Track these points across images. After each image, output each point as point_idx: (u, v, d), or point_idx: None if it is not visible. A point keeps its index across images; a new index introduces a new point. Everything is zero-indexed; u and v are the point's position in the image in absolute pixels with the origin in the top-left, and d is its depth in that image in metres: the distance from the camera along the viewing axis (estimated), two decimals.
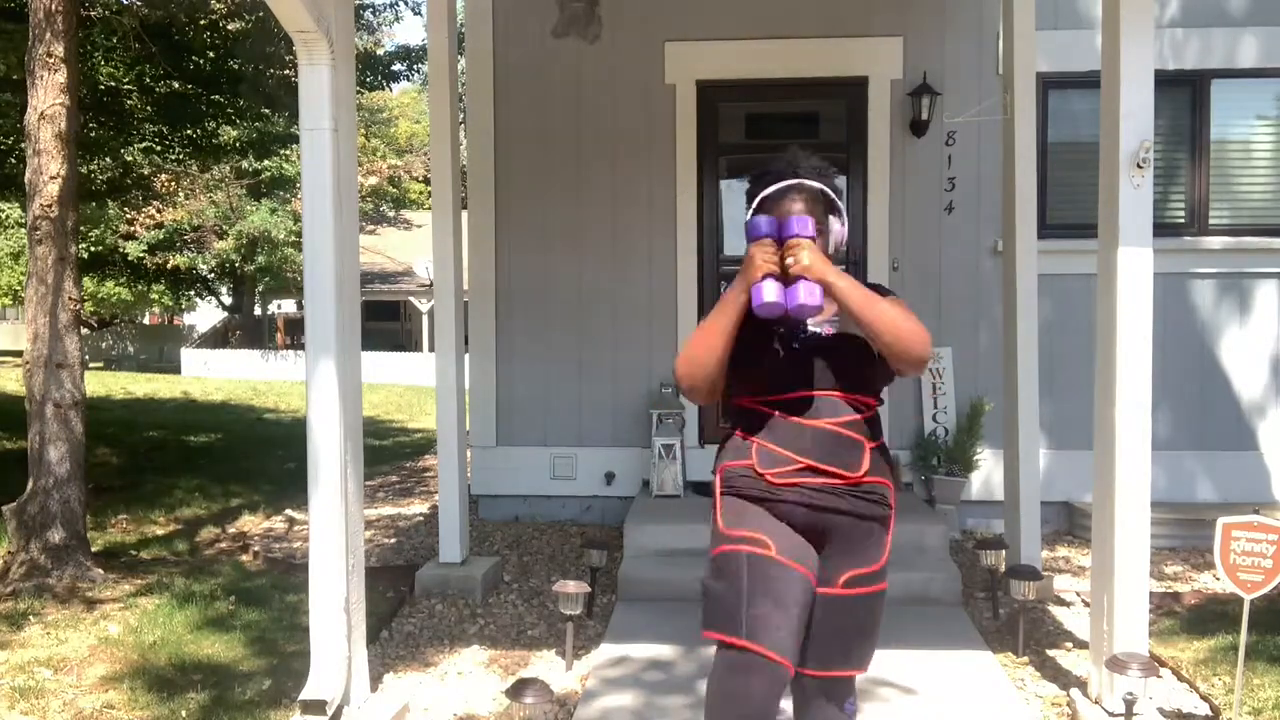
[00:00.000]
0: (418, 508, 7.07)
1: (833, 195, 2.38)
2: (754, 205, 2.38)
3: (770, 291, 2.15)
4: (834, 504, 2.28)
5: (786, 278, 2.18)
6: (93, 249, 21.29)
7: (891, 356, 2.22)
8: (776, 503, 2.29)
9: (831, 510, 2.28)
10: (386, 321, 27.69)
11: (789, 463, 2.27)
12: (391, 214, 30.95)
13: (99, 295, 28.60)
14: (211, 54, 9.53)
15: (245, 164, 18.51)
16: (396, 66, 12.06)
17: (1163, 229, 5.38)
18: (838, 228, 2.39)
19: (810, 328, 2.34)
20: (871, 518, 2.31)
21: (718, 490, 2.40)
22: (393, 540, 6.06)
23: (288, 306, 32.18)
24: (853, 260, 6.16)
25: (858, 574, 2.31)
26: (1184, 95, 6.04)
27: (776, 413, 2.30)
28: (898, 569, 4.58)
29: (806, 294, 2.14)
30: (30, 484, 4.93)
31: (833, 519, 2.29)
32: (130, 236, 23.47)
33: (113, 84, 9.41)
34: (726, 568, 2.28)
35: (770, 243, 2.21)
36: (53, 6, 4.89)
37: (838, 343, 2.32)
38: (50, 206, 4.88)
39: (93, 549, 5.17)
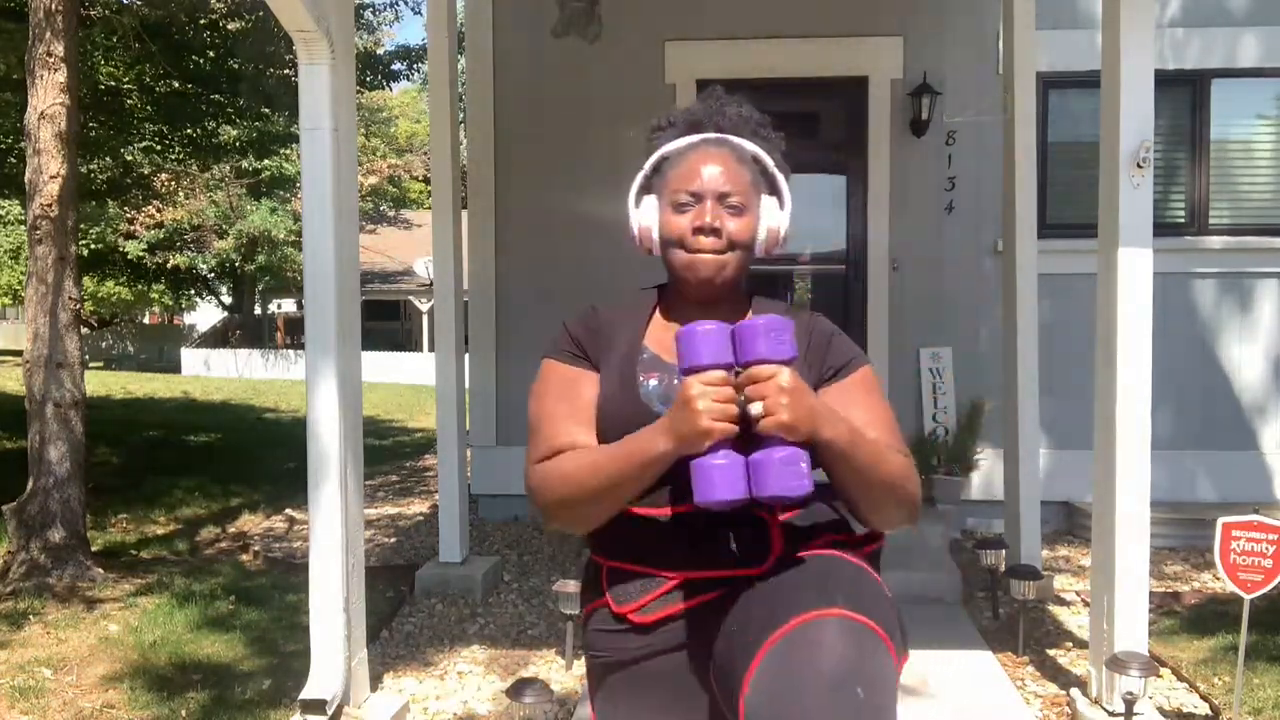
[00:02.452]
0: (418, 507, 7.07)
1: (771, 166, 1.60)
2: (647, 170, 1.66)
3: (730, 484, 1.28)
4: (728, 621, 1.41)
5: (747, 434, 1.31)
6: (92, 247, 21.28)
7: (871, 518, 1.46)
8: (652, 657, 1.49)
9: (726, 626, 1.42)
10: (386, 321, 27.68)
11: (658, 583, 1.47)
12: (391, 214, 30.95)
13: (99, 295, 28.61)
14: (211, 54, 9.53)
15: (245, 163, 18.50)
16: (396, 66, 12.06)
17: (1163, 229, 5.37)
18: (774, 215, 1.57)
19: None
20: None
21: (586, 668, 1.63)
22: (393, 540, 6.06)
23: (288, 306, 32.19)
24: (853, 260, 6.16)
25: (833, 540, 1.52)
26: (1184, 95, 6.04)
27: (651, 510, 1.47)
28: (898, 569, 4.60)
29: (789, 476, 1.26)
30: (30, 483, 4.93)
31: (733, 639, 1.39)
32: (130, 236, 23.48)
33: (113, 83, 9.41)
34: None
35: (721, 378, 1.31)
36: (53, 6, 4.89)
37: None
38: (50, 206, 4.88)
39: (93, 548, 5.17)
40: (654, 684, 1.48)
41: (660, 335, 1.58)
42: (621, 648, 1.49)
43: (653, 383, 1.52)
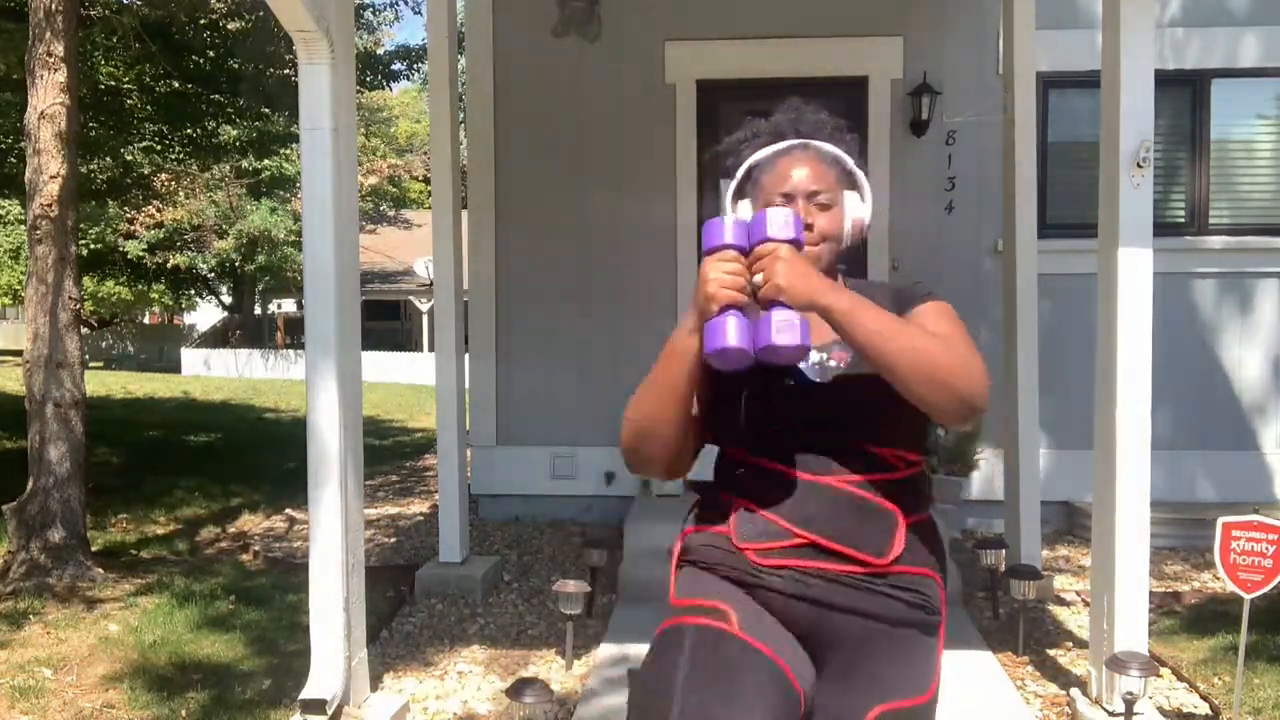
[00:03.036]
0: (418, 507, 7.07)
1: (851, 165, 1.73)
2: (739, 178, 1.74)
3: (730, 333, 1.43)
4: (845, 601, 1.55)
5: (757, 304, 1.48)
6: (92, 247, 21.28)
7: (923, 405, 1.49)
8: (758, 589, 1.58)
9: (842, 609, 1.56)
10: (386, 321, 27.67)
11: (782, 535, 1.55)
12: (391, 214, 30.95)
13: (99, 295, 28.61)
14: (211, 53, 9.53)
15: (245, 163, 18.50)
16: (396, 66, 12.05)
17: (1163, 228, 5.37)
18: (858, 209, 1.71)
19: (815, 356, 1.62)
20: (907, 623, 1.58)
21: (673, 565, 1.71)
22: (393, 540, 6.06)
23: (288, 306, 32.19)
24: (853, 260, 6.16)
25: (893, 709, 1.58)
26: (1184, 95, 6.04)
27: (768, 463, 1.58)
28: None
29: (780, 330, 1.41)
30: (30, 483, 4.93)
31: (844, 623, 1.56)
32: (130, 236, 23.48)
33: (113, 83, 9.41)
34: (663, 648, 1.56)
35: (733, 255, 1.48)
36: (53, 6, 4.89)
37: (851, 376, 1.59)
38: (50, 206, 4.88)
39: (93, 548, 5.17)
40: (739, 589, 1.59)
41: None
42: (732, 563, 1.59)
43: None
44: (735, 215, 1.60)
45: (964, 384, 1.46)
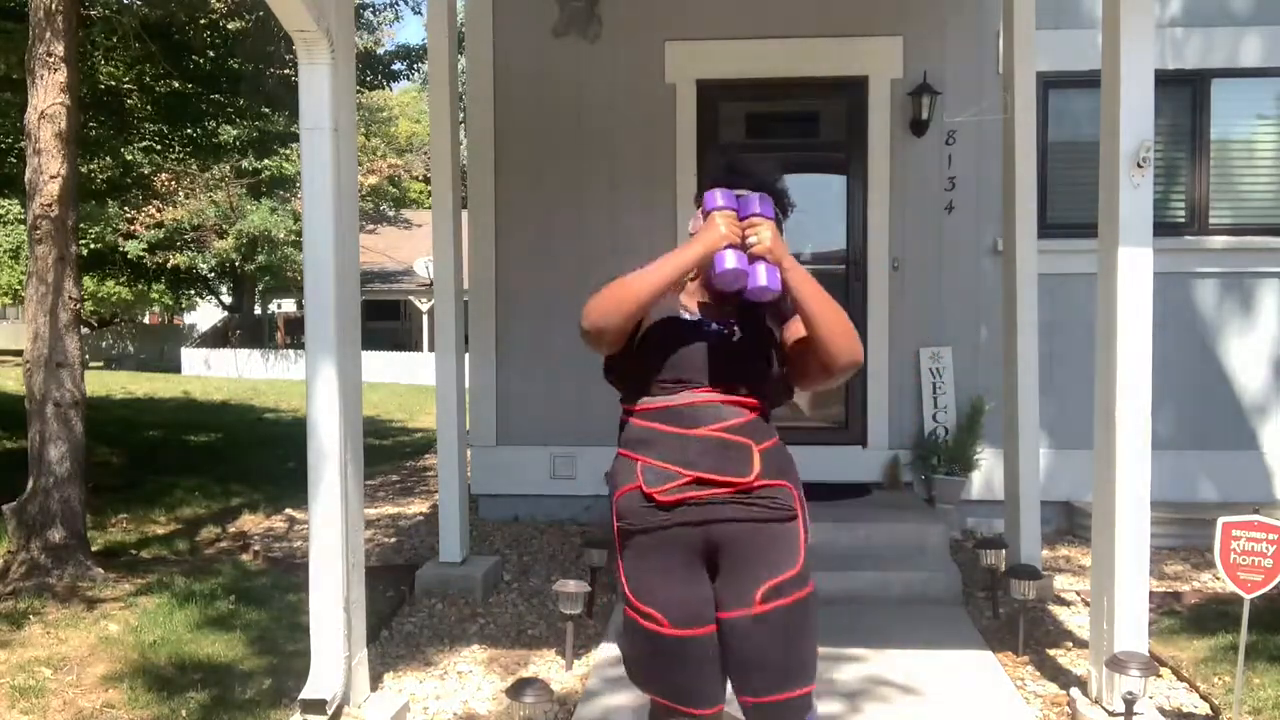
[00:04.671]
0: (418, 507, 7.07)
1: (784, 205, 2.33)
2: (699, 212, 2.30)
3: (733, 259, 2.10)
4: (726, 514, 2.16)
5: (746, 255, 2.13)
6: (92, 247, 21.27)
7: (825, 355, 2.13)
8: (668, 528, 2.18)
9: (725, 520, 2.16)
10: (386, 321, 27.66)
11: (676, 477, 2.16)
12: (391, 214, 30.94)
13: (99, 294, 28.59)
14: (211, 53, 9.52)
15: (245, 163, 18.49)
16: (396, 66, 12.05)
17: (1163, 228, 5.37)
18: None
19: (715, 325, 2.27)
20: (772, 519, 2.18)
21: (614, 527, 2.28)
22: (393, 539, 6.06)
23: (288, 306, 32.19)
24: (853, 260, 6.16)
25: (774, 584, 2.14)
26: (1184, 94, 6.04)
27: (660, 426, 2.21)
28: (898, 569, 4.62)
29: (768, 276, 2.09)
30: (30, 483, 4.93)
31: (729, 530, 2.17)
32: (130, 235, 23.46)
33: (113, 83, 9.41)
34: (634, 635, 2.24)
35: (733, 214, 2.16)
36: (53, 6, 4.89)
37: (745, 344, 2.27)
38: (50, 206, 4.88)
39: (93, 548, 5.17)
40: (665, 546, 2.20)
41: (693, 298, 2.36)
42: (647, 519, 2.20)
43: (689, 322, 2.29)
44: (723, 189, 2.19)
45: (856, 343, 2.12)
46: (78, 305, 5.05)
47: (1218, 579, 4.73)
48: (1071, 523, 5.99)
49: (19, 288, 23.91)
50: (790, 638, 2.15)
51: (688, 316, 2.29)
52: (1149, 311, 3.27)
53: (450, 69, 4.80)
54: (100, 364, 27.53)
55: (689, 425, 2.19)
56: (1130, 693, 3.05)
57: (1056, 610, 4.56)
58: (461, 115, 6.81)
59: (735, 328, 2.28)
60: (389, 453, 9.98)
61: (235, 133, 11.71)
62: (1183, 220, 6.11)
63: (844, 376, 2.17)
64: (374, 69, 11.54)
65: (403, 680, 3.79)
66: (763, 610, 2.13)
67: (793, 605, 2.15)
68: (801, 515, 2.23)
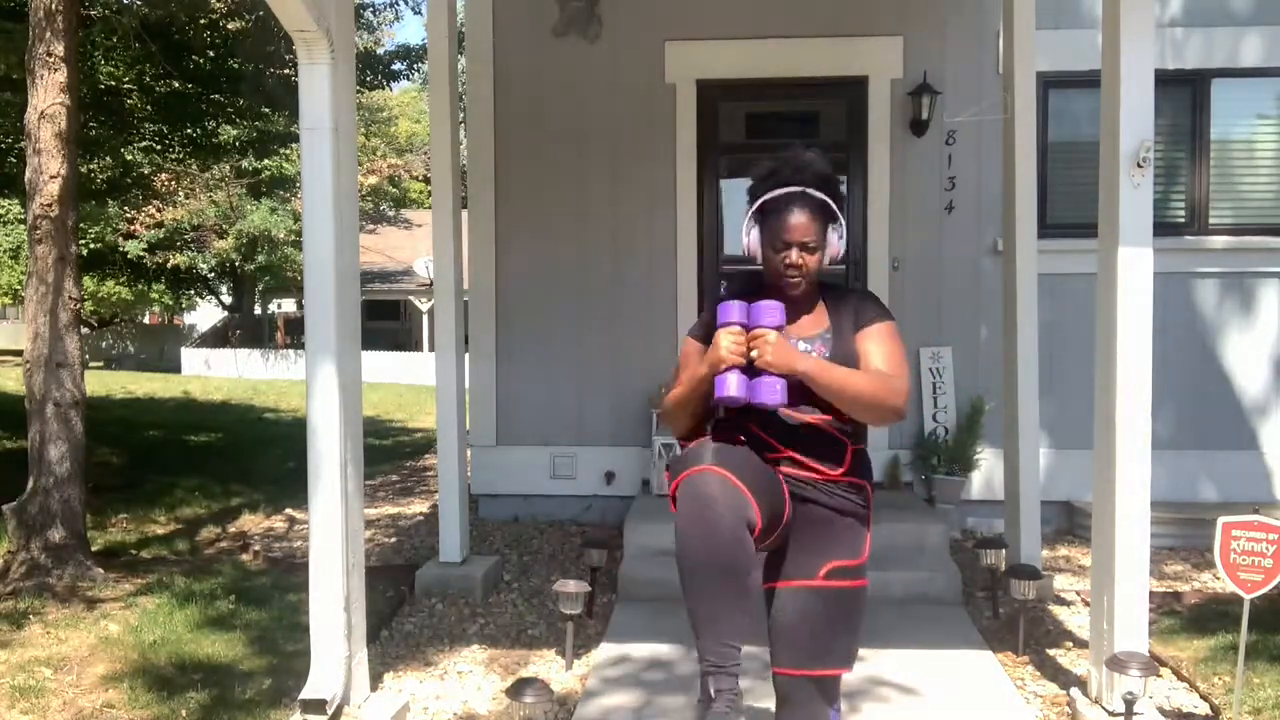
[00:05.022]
0: (418, 507, 7.07)
1: (834, 208, 2.34)
2: (754, 207, 2.38)
3: (733, 386, 2.20)
4: (812, 495, 2.33)
5: (752, 368, 2.21)
6: (92, 247, 21.27)
7: (868, 423, 2.32)
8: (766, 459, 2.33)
9: (809, 501, 2.33)
10: (386, 321, 27.65)
11: (773, 450, 2.31)
12: (391, 214, 30.91)
13: (99, 294, 28.56)
14: (211, 53, 9.52)
15: (245, 163, 18.47)
16: (396, 66, 12.03)
17: (1163, 228, 5.38)
18: (835, 241, 2.36)
19: (800, 345, 2.36)
20: (850, 513, 2.35)
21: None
22: (393, 539, 6.06)
23: (288, 306, 32.16)
24: (853, 260, 6.16)
25: (840, 565, 2.31)
26: (1184, 94, 6.04)
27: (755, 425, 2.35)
28: (898, 568, 4.62)
29: (768, 392, 2.19)
30: (30, 483, 4.93)
31: (810, 509, 2.33)
32: (130, 235, 23.44)
33: (113, 83, 9.40)
34: (691, 455, 2.23)
35: (738, 330, 2.23)
36: (53, 6, 4.89)
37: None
38: (50, 206, 4.88)
39: (93, 548, 5.17)
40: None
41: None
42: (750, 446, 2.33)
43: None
44: (737, 303, 2.27)
45: (887, 408, 2.24)
46: (78, 305, 5.05)
47: (1218, 579, 4.73)
48: (1071, 523, 5.99)
49: (19, 288, 23.89)
50: (838, 618, 2.31)
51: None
52: (1149, 311, 3.27)
53: (450, 69, 4.80)
54: (100, 364, 27.52)
55: (800, 411, 2.31)
56: (1130, 693, 3.05)
57: (1056, 610, 4.56)
58: (461, 115, 6.81)
59: (823, 349, 2.36)
60: (389, 453, 9.98)
61: (235, 133, 11.70)
62: (1183, 220, 6.11)
63: (886, 424, 2.44)
64: (374, 69, 11.52)
65: (403, 680, 3.79)
66: (825, 585, 2.30)
67: (850, 590, 2.33)
68: (869, 516, 2.40)
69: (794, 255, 2.31)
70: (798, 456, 2.32)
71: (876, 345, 2.32)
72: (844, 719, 3.32)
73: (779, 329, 2.22)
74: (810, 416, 2.31)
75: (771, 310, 2.23)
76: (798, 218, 2.29)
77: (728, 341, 2.21)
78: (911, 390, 6.11)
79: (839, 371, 2.23)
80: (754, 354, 2.20)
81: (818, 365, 2.22)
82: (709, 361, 2.24)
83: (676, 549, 2.20)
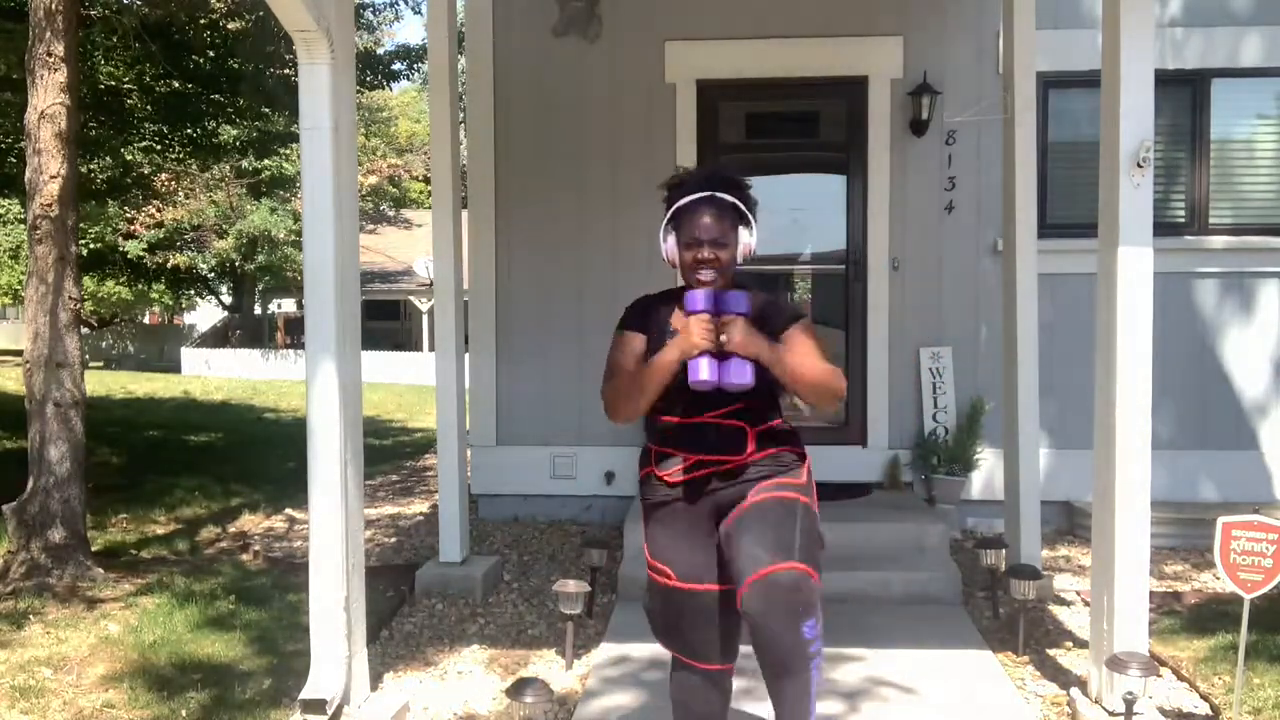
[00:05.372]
0: (418, 507, 7.07)
1: (743, 208, 2.56)
2: (668, 214, 2.60)
3: (705, 370, 2.39)
4: (726, 483, 2.56)
5: (720, 353, 2.39)
6: (92, 247, 21.27)
7: (811, 404, 2.56)
8: (675, 502, 2.60)
9: (725, 488, 2.56)
10: (386, 321, 27.66)
11: (679, 460, 2.59)
12: (391, 213, 30.93)
13: (99, 294, 28.57)
14: (211, 53, 9.52)
15: (245, 163, 18.49)
16: (396, 66, 12.04)
17: (1163, 228, 5.37)
18: (745, 238, 2.59)
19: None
20: (768, 477, 2.54)
21: (642, 508, 2.75)
22: (393, 539, 6.06)
23: (288, 305, 32.16)
24: (853, 260, 6.16)
25: (770, 484, 2.53)
26: (1184, 94, 6.04)
27: (674, 419, 2.59)
28: (898, 568, 4.62)
29: (738, 372, 2.39)
30: (30, 483, 4.93)
31: (730, 493, 2.55)
32: (130, 235, 23.45)
33: (113, 83, 9.41)
34: (653, 591, 2.69)
35: (707, 317, 2.40)
36: (53, 6, 4.89)
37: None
38: (50, 206, 4.88)
39: (93, 548, 5.17)
40: (677, 516, 2.62)
41: (679, 318, 2.58)
42: (661, 495, 2.64)
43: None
44: (705, 291, 2.46)
45: (831, 389, 2.50)
46: (78, 305, 5.05)
47: (1218, 579, 4.73)
48: (1071, 523, 5.99)
49: (19, 288, 23.89)
50: (777, 516, 2.46)
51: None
52: (1149, 311, 3.27)
53: (450, 69, 4.80)
54: (100, 364, 27.53)
55: (695, 416, 2.57)
56: (1130, 693, 3.05)
57: (1056, 610, 4.56)
58: (461, 115, 6.81)
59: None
60: (389, 453, 9.98)
61: (235, 133, 11.71)
62: (1183, 220, 6.11)
63: (830, 407, 2.79)
64: (374, 69, 11.53)
65: (403, 680, 3.79)
66: (755, 500, 2.50)
67: (783, 500, 2.49)
68: (806, 465, 2.62)
69: (705, 252, 2.52)
70: (703, 457, 2.56)
71: (801, 345, 2.54)
72: (844, 718, 3.34)
73: (744, 316, 2.41)
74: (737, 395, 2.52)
75: (739, 299, 2.43)
76: (705, 218, 2.52)
77: (699, 328, 2.38)
78: (910, 391, 6.14)
79: (794, 356, 2.48)
80: (723, 338, 2.37)
81: (775, 350, 2.43)
82: (680, 347, 2.40)
83: (672, 704, 2.82)
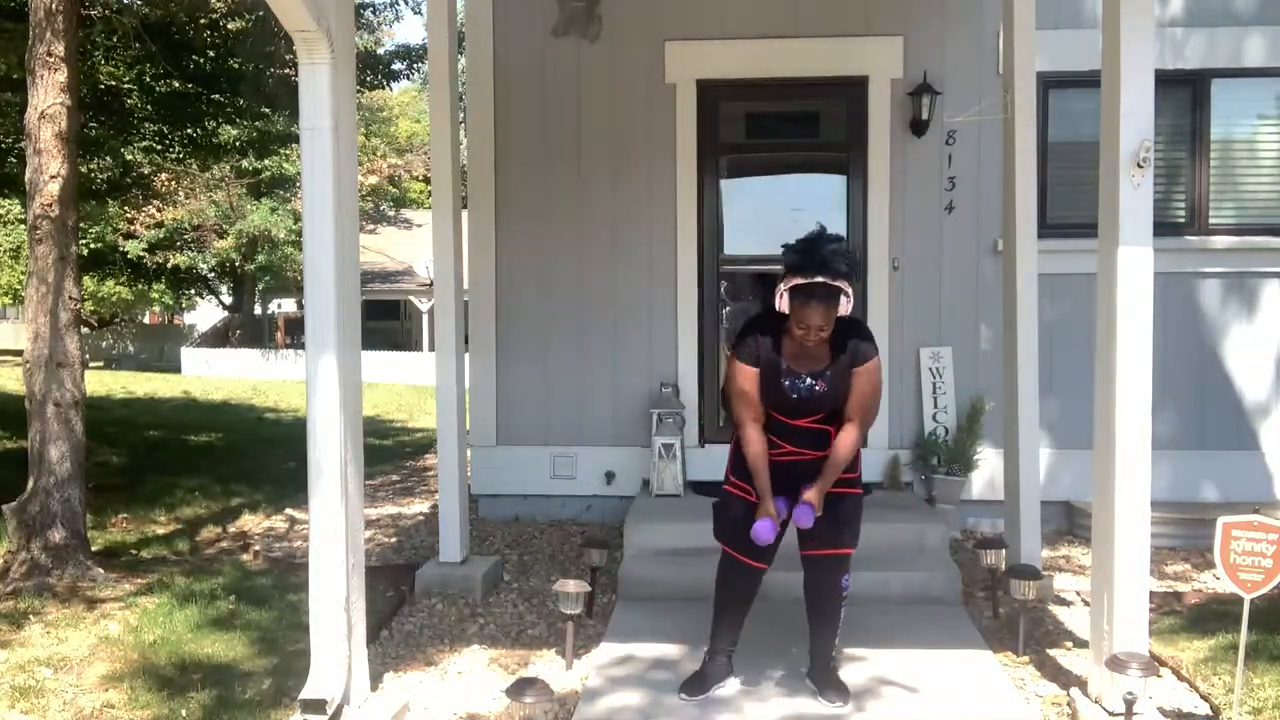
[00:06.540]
0: (418, 507, 7.07)
1: (849, 292, 3.17)
2: (786, 286, 3.18)
3: (766, 533, 3.30)
4: (810, 471, 3.38)
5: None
6: (92, 247, 21.29)
7: None
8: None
9: (807, 474, 3.37)
10: (386, 321, 27.66)
11: (777, 447, 3.40)
12: (391, 213, 30.93)
13: (99, 294, 28.59)
14: (211, 53, 9.54)
15: (245, 163, 18.50)
16: (396, 66, 12.06)
17: (1163, 228, 5.36)
18: (845, 305, 3.19)
19: (807, 380, 3.36)
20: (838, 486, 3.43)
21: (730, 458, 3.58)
22: (393, 539, 6.06)
23: (288, 305, 32.15)
24: (854, 262, 6.15)
25: (840, 480, 3.38)
26: (1184, 94, 6.04)
27: (780, 417, 3.41)
28: (898, 568, 4.62)
29: (802, 518, 3.27)
30: (31, 483, 4.93)
31: (807, 479, 3.36)
32: (130, 235, 23.46)
33: (113, 83, 9.42)
34: (727, 502, 3.51)
35: (770, 525, 3.32)
36: (53, 6, 4.89)
37: (823, 393, 3.37)
38: (51, 206, 4.88)
39: (93, 548, 5.17)
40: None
41: (789, 349, 3.35)
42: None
43: (787, 381, 3.36)
44: (771, 520, 3.34)
45: (859, 443, 3.41)
46: (78, 305, 5.06)
47: (1218, 579, 4.73)
48: (1071, 523, 5.99)
49: (19, 288, 23.91)
50: (840, 513, 3.39)
51: (787, 382, 3.37)
52: (1149, 311, 3.27)
53: (450, 69, 4.80)
54: (100, 364, 27.53)
55: (794, 418, 3.42)
56: (1130, 693, 3.05)
57: (1056, 610, 4.56)
58: (461, 115, 6.81)
59: (823, 386, 3.35)
60: (389, 453, 9.98)
61: (235, 133, 11.72)
62: (1183, 220, 6.11)
63: None
64: (374, 69, 11.55)
65: (403, 680, 3.79)
66: (833, 492, 3.35)
67: (845, 495, 3.41)
68: (859, 472, 3.50)
69: (812, 334, 3.21)
70: (795, 449, 3.43)
71: (865, 381, 3.33)
72: (845, 718, 3.36)
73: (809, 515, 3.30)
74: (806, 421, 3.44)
75: (806, 515, 3.26)
76: (816, 307, 3.14)
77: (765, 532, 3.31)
78: (910, 391, 6.14)
79: (830, 472, 3.33)
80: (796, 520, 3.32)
81: (821, 487, 3.32)
82: (758, 517, 3.34)
83: (715, 585, 3.60)
